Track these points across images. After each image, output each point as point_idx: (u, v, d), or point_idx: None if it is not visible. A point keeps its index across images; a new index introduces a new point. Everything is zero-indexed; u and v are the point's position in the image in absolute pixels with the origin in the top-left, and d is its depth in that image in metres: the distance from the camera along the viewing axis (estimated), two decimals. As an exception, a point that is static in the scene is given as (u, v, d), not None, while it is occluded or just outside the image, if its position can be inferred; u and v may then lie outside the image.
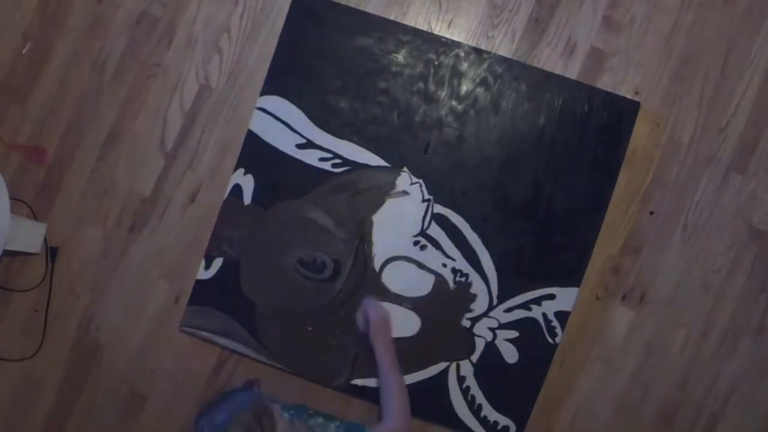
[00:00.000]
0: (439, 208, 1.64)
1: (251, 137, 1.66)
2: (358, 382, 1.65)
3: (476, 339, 1.64)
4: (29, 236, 1.65)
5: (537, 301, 1.63)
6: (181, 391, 1.68)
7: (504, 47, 1.66)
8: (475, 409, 1.64)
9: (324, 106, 1.65)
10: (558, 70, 1.65)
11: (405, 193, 1.65)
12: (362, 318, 1.61)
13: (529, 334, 1.63)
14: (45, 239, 1.68)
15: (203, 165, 1.69)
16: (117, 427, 1.69)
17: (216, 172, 1.68)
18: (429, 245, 1.64)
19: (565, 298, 1.63)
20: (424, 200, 1.65)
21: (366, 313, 1.59)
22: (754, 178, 1.65)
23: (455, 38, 1.66)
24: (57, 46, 1.71)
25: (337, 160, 1.65)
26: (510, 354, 1.64)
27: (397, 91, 1.65)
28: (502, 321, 1.64)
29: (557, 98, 1.64)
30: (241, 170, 1.66)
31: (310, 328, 1.66)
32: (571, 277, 1.64)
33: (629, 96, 1.64)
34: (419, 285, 1.65)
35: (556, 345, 1.64)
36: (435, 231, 1.64)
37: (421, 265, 1.64)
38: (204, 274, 1.66)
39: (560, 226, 1.64)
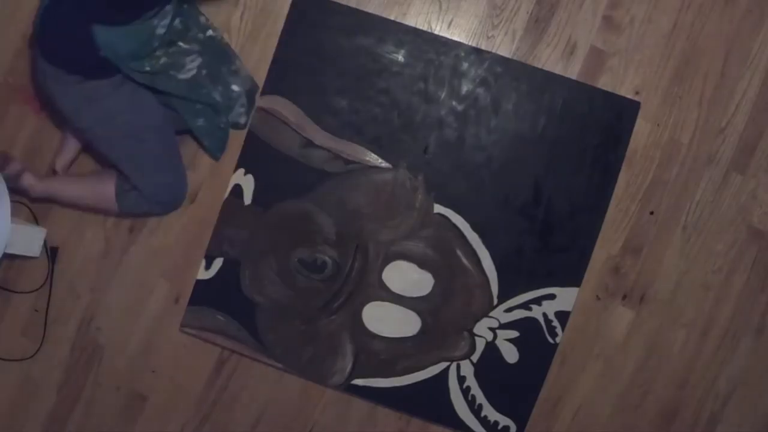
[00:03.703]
0: (439, 208, 1.64)
1: (251, 137, 1.66)
2: (359, 382, 1.65)
3: (476, 339, 1.64)
4: (29, 241, 1.65)
5: (537, 301, 1.64)
6: (181, 391, 1.68)
7: (504, 47, 1.66)
8: (476, 409, 1.64)
9: (324, 106, 1.65)
10: (558, 70, 1.65)
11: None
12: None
13: (529, 334, 1.63)
14: (45, 242, 1.68)
15: (203, 165, 1.68)
16: (117, 427, 1.69)
17: (216, 172, 1.68)
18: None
19: (565, 298, 1.63)
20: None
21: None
22: (754, 178, 1.65)
23: (455, 38, 1.66)
24: (57, 46, 1.70)
25: (338, 160, 1.65)
26: (510, 354, 1.64)
27: (397, 91, 1.65)
28: (503, 321, 1.64)
29: (557, 98, 1.64)
30: (242, 170, 1.66)
31: (310, 328, 1.66)
32: (571, 277, 1.64)
33: (629, 96, 1.64)
34: (419, 285, 1.65)
35: (556, 345, 1.64)
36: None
37: (421, 264, 1.65)
38: (204, 274, 1.66)
39: (560, 226, 1.64)
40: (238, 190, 1.66)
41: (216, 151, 1.63)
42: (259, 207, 1.66)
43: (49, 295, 1.69)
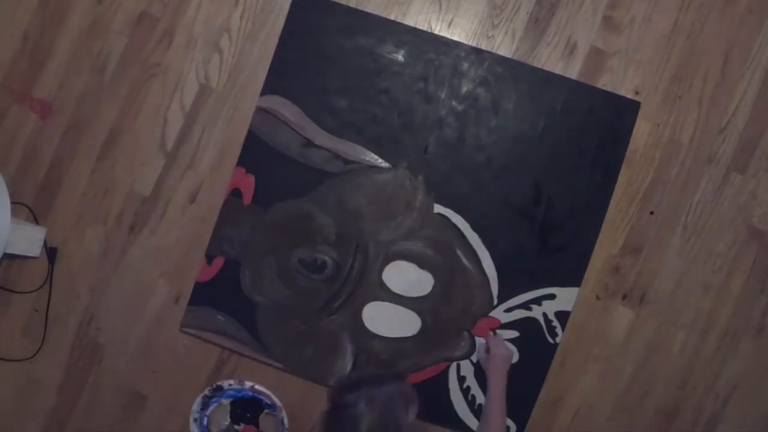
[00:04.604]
0: (439, 208, 1.64)
1: (251, 137, 1.66)
2: (358, 382, 1.65)
3: (477, 339, 1.64)
4: (29, 241, 1.65)
5: (537, 301, 1.64)
6: (181, 391, 1.68)
7: (504, 47, 1.66)
8: (476, 409, 1.64)
9: (324, 106, 1.65)
10: (558, 70, 1.65)
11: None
12: (483, 348, 1.61)
13: (529, 334, 1.63)
14: (45, 242, 1.68)
15: (203, 165, 1.69)
16: (117, 426, 1.69)
17: (216, 172, 1.68)
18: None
19: (565, 298, 1.63)
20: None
21: (489, 345, 1.59)
22: (754, 178, 1.65)
23: (455, 38, 1.66)
24: (57, 46, 1.71)
25: (338, 160, 1.65)
26: (510, 354, 1.64)
27: (397, 91, 1.65)
28: (503, 321, 1.64)
29: (557, 98, 1.64)
30: (242, 170, 1.66)
31: (310, 328, 1.66)
32: (571, 277, 1.64)
33: (629, 96, 1.64)
34: (419, 285, 1.65)
35: (556, 345, 1.64)
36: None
37: (421, 264, 1.64)
38: (204, 275, 1.66)
39: (560, 226, 1.64)
40: (237, 189, 1.66)
41: None
42: (259, 207, 1.66)
43: (49, 295, 1.69)
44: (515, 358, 1.62)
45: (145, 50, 1.70)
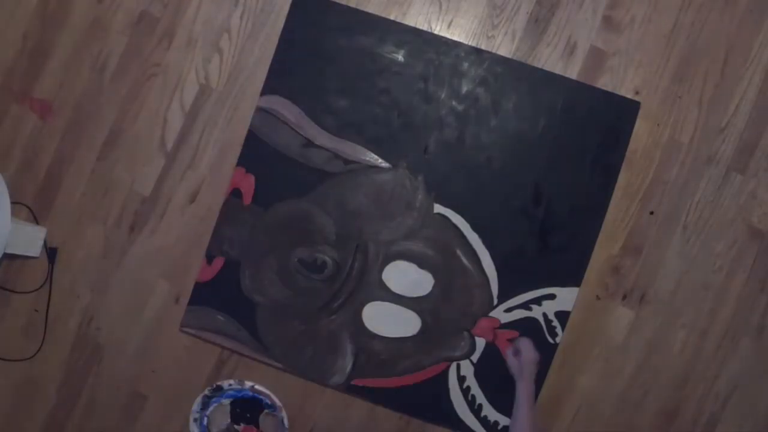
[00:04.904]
0: (439, 208, 1.64)
1: (251, 137, 1.66)
2: (359, 382, 1.65)
3: (476, 339, 1.64)
4: (29, 240, 1.65)
5: (537, 301, 1.64)
6: (181, 391, 1.68)
7: (504, 47, 1.66)
8: (476, 409, 1.64)
9: (324, 106, 1.65)
10: (558, 70, 1.65)
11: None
12: (512, 351, 1.60)
13: (529, 334, 1.63)
14: (45, 242, 1.68)
15: (203, 165, 1.69)
16: (117, 426, 1.69)
17: (216, 172, 1.68)
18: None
19: (565, 298, 1.63)
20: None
21: (520, 347, 1.57)
22: (754, 178, 1.65)
23: (455, 38, 1.66)
24: (57, 46, 1.71)
25: (338, 160, 1.65)
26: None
27: (397, 91, 1.65)
28: (503, 321, 1.64)
29: (557, 98, 1.64)
30: (242, 170, 1.66)
31: (310, 328, 1.66)
32: (571, 277, 1.64)
33: (629, 96, 1.64)
34: (419, 285, 1.65)
35: (556, 345, 1.64)
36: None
37: (421, 264, 1.64)
38: (204, 275, 1.66)
39: (560, 226, 1.64)
40: (237, 189, 1.66)
41: None
42: (259, 207, 1.66)
43: (49, 295, 1.69)
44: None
45: (145, 50, 1.70)
